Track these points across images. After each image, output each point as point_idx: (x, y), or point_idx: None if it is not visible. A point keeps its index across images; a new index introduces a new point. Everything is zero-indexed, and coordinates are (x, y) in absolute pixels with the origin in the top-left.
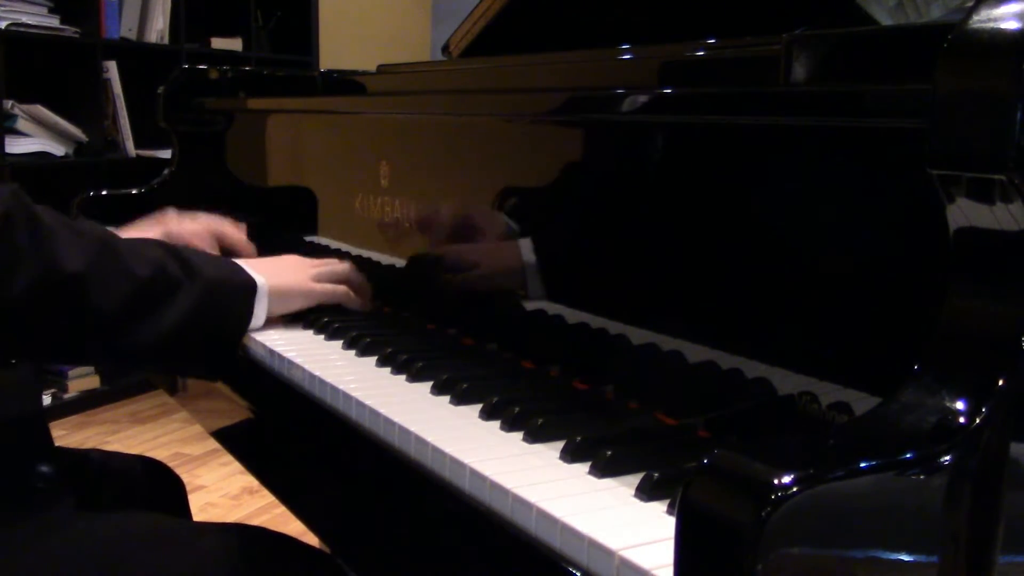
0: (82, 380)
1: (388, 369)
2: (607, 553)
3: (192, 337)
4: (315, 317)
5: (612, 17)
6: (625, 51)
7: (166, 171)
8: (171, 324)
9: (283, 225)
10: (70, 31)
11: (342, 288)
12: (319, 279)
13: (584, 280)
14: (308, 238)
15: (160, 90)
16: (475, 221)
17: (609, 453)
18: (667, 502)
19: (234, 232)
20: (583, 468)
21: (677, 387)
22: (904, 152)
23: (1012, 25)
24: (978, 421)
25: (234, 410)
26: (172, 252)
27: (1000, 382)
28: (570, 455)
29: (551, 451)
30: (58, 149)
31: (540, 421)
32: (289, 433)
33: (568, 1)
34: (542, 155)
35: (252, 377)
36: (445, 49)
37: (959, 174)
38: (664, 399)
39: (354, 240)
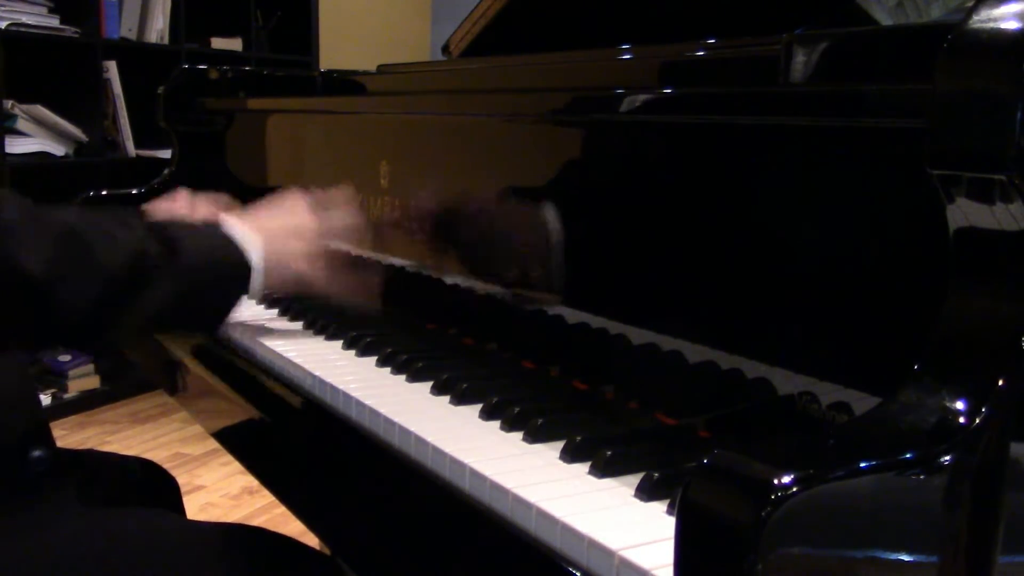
0: (82, 380)
1: (388, 369)
2: (607, 553)
3: (175, 319)
4: (315, 317)
5: (612, 17)
6: (625, 51)
7: (166, 171)
8: (150, 311)
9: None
10: (70, 31)
11: (338, 225)
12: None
13: (584, 280)
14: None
15: (160, 90)
16: (475, 221)
17: (609, 453)
18: (667, 502)
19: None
20: (583, 468)
21: (677, 387)
22: (904, 152)
23: (1012, 25)
24: (978, 421)
25: (234, 410)
26: (157, 233)
27: (1000, 382)
28: (570, 455)
29: (551, 451)
30: (58, 149)
31: (540, 421)
32: (289, 433)
33: (568, 1)
34: (542, 155)
35: (252, 377)
36: (445, 49)
37: (959, 174)
38: (664, 399)
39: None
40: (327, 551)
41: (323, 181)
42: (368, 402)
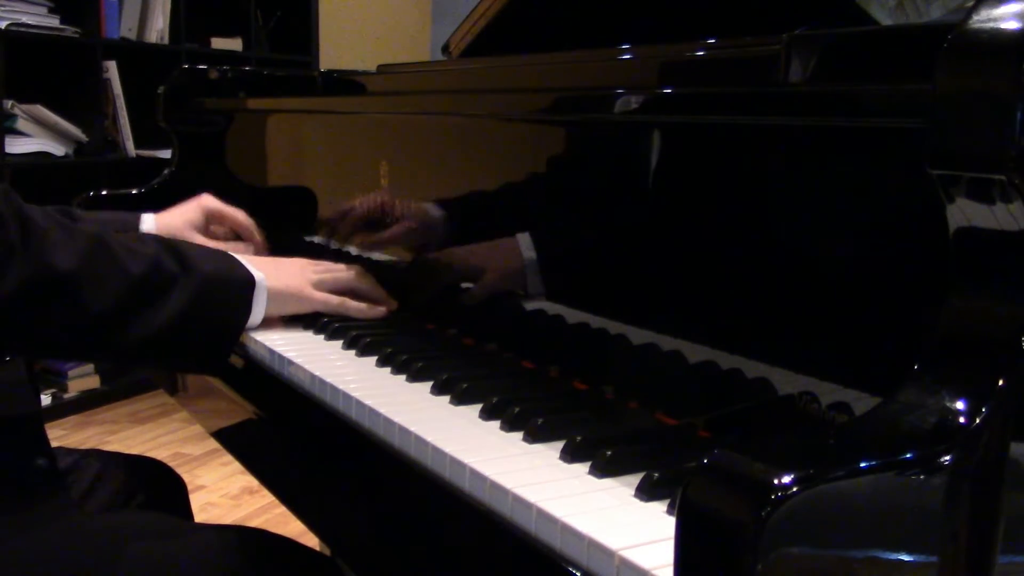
0: (82, 380)
1: (388, 369)
2: (607, 553)
3: (189, 333)
4: (315, 317)
5: (612, 17)
6: (625, 51)
7: (166, 171)
8: (167, 320)
9: (283, 225)
10: (70, 31)
11: (337, 300)
12: (320, 286)
13: (584, 280)
14: (308, 238)
15: (160, 90)
16: (475, 220)
17: (609, 453)
18: (667, 502)
19: (246, 224)
20: (583, 468)
21: (677, 387)
22: (904, 152)
23: (1012, 25)
24: (978, 421)
25: (234, 410)
26: (169, 248)
27: (1000, 382)
28: (570, 455)
29: (551, 451)
30: (58, 149)
31: (540, 421)
32: (289, 433)
33: (568, 1)
34: (542, 155)
35: (252, 377)
36: (445, 49)
37: (959, 174)
38: (664, 399)
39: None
40: (327, 551)
41: (323, 181)
42: (368, 402)
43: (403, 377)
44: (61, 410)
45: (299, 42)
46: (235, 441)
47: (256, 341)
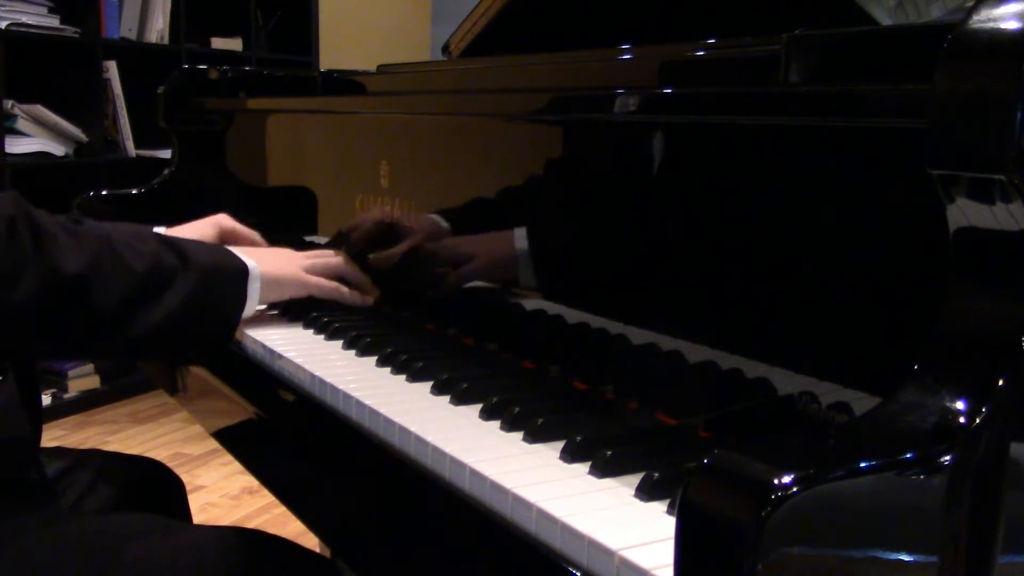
0: (82, 380)
1: (388, 369)
2: (607, 553)
3: (190, 323)
4: (315, 317)
5: (612, 17)
6: (625, 51)
7: (166, 171)
8: (169, 313)
9: (283, 225)
10: (70, 31)
11: (333, 284)
12: (312, 271)
13: (584, 280)
14: (308, 238)
15: (160, 90)
16: (475, 221)
17: (609, 453)
18: (667, 502)
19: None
20: (583, 468)
21: (677, 387)
22: (904, 152)
23: (1012, 25)
24: (978, 421)
25: (234, 410)
26: (166, 242)
27: (1000, 382)
28: (570, 455)
29: (551, 451)
30: (58, 149)
31: (540, 421)
32: (289, 433)
33: (568, 1)
34: (542, 155)
35: (252, 377)
36: (445, 49)
37: (959, 174)
38: (664, 399)
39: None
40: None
41: (323, 181)
42: (368, 402)
43: (403, 377)
44: (61, 410)
45: (299, 42)
46: (235, 441)
47: (256, 341)
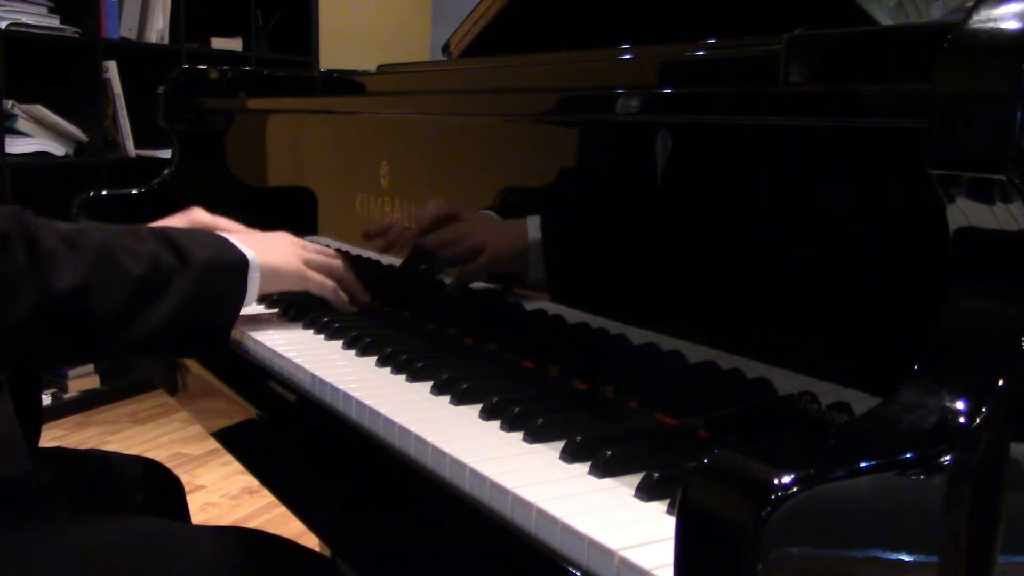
0: (82, 380)
1: (388, 369)
2: (607, 553)
3: (189, 322)
4: (315, 317)
5: (612, 17)
6: (625, 51)
7: (166, 171)
8: (167, 314)
9: (283, 225)
10: (70, 31)
11: (331, 284)
12: (311, 265)
13: (584, 279)
14: (308, 238)
15: (160, 90)
16: (475, 221)
17: (609, 453)
18: (667, 502)
19: None
20: (583, 468)
21: (677, 387)
22: (904, 152)
23: (1012, 25)
24: (978, 421)
25: (234, 410)
26: (165, 239)
27: (1000, 382)
28: (570, 455)
29: (551, 451)
30: (58, 149)
31: (540, 421)
32: (289, 433)
33: (568, 1)
34: (542, 155)
35: (252, 377)
36: (445, 49)
37: (959, 174)
38: (664, 399)
39: (354, 240)
40: (327, 551)
41: (323, 181)
42: (368, 402)
43: (403, 377)
44: (61, 410)
45: (299, 42)
46: (235, 441)
47: (256, 341)
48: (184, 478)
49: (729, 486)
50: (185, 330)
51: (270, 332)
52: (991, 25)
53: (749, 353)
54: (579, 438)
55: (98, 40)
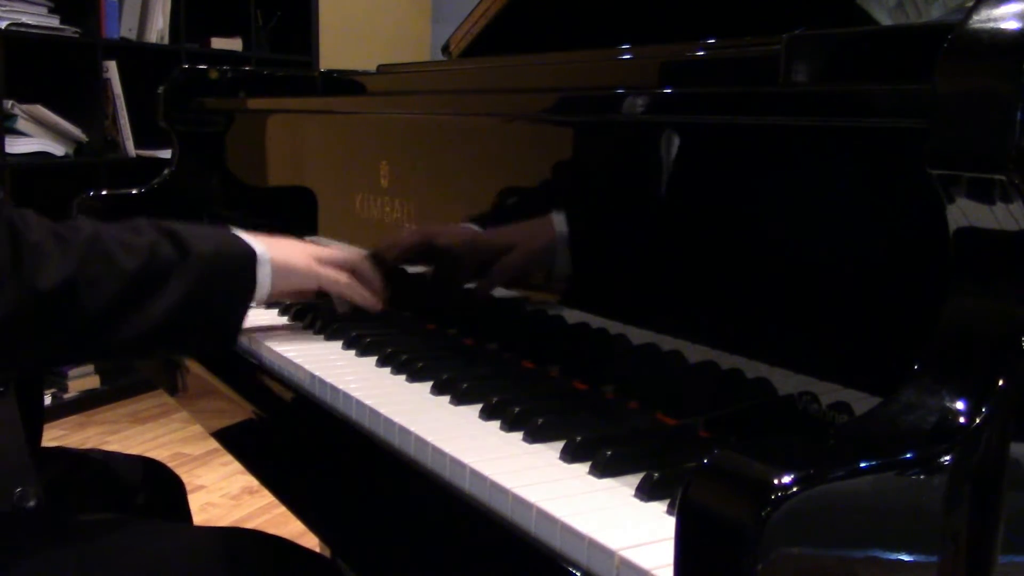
0: (82, 380)
1: (388, 369)
2: (607, 553)
3: (191, 319)
4: (315, 316)
5: (612, 17)
6: (625, 51)
7: (166, 171)
8: (165, 310)
9: (283, 225)
10: (70, 31)
11: (344, 277)
12: (322, 260)
13: (584, 280)
14: (308, 238)
15: (160, 90)
16: (475, 221)
17: (609, 453)
18: (667, 502)
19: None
20: (583, 468)
21: (677, 387)
22: (904, 152)
23: (1012, 25)
24: (978, 421)
25: (234, 410)
26: (166, 233)
27: (1000, 382)
28: (570, 455)
29: (551, 451)
30: (58, 149)
31: (540, 421)
32: (289, 433)
33: (568, 1)
34: (542, 155)
35: (252, 377)
36: (445, 49)
37: (959, 174)
38: (664, 399)
39: (354, 240)
40: (327, 551)
41: (323, 181)
42: (368, 402)
43: (403, 377)
44: (61, 410)
45: (299, 42)
46: (235, 441)
47: (257, 341)
48: (184, 478)
49: (729, 486)
50: (189, 327)
51: (270, 332)
52: (991, 25)
53: (749, 353)
54: (579, 438)
55: (98, 40)
